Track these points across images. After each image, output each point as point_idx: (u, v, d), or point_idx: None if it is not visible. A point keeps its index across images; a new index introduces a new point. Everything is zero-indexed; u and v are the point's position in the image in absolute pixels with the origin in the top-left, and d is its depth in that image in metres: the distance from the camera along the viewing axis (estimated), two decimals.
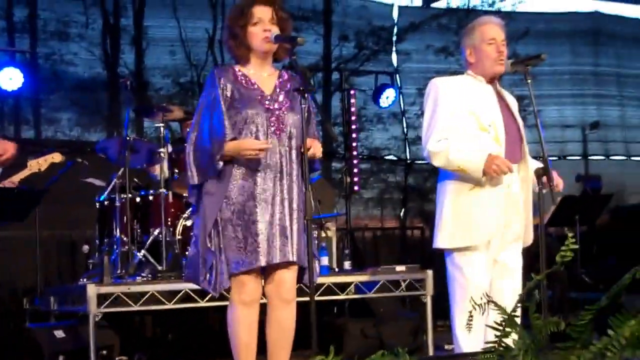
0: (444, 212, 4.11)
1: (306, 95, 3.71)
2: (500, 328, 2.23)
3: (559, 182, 4.12)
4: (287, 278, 3.83)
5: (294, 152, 3.81)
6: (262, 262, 3.70)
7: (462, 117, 4.04)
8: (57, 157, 5.74)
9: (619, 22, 17.17)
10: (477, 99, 4.10)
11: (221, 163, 3.72)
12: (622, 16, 17.25)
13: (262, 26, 3.78)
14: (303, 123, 3.69)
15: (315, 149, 3.81)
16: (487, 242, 4.03)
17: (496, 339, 2.17)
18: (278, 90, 3.88)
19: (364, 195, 15.19)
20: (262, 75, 3.89)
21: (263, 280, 3.86)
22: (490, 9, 15.93)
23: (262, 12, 3.81)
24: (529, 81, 4.08)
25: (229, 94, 3.79)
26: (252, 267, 3.71)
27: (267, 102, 3.81)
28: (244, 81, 3.83)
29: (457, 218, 4.06)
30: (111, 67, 13.58)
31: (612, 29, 17.07)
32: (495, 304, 2.22)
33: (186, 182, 3.95)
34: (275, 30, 3.79)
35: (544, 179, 3.98)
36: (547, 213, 7.58)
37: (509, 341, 2.16)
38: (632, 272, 2.12)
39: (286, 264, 3.78)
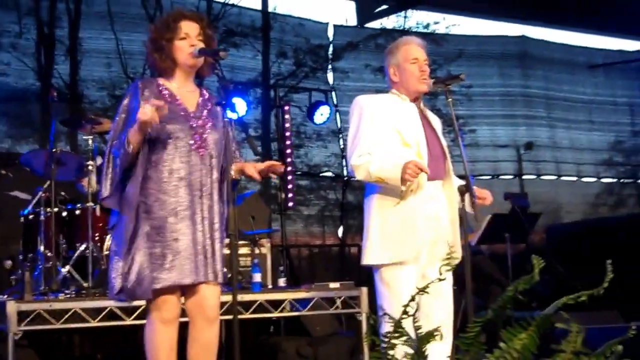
0: (371, 228, 4.10)
1: (227, 109, 3.69)
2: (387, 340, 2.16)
3: (487, 196, 4.16)
4: (210, 296, 3.76)
5: (214, 172, 3.78)
6: (184, 280, 3.64)
7: (385, 133, 4.07)
8: None
9: (545, 46, 17.74)
10: (401, 117, 4.14)
11: (131, 152, 3.61)
12: (549, 41, 17.81)
13: (189, 41, 3.76)
14: (225, 139, 3.70)
15: (250, 171, 3.82)
16: (414, 258, 4.03)
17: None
18: (201, 107, 3.85)
19: (304, 212, 15.19)
20: (185, 91, 3.85)
21: (183, 298, 3.80)
22: (425, 30, 16.13)
23: (190, 28, 3.79)
24: (450, 100, 4.12)
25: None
26: (171, 285, 3.63)
27: (191, 119, 3.78)
28: (167, 95, 3.79)
29: (383, 234, 4.06)
30: (44, 78, 13.32)
31: (540, 52, 17.66)
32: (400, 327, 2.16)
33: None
34: (201, 46, 3.77)
35: (467, 196, 4.00)
36: (477, 231, 7.64)
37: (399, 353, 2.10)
38: (514, 287, 2.20)
39: (208, 282, 3.72)
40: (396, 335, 2.17)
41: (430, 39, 15.76)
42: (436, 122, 4.33)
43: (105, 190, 3.69)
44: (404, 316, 2.19)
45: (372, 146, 4.04)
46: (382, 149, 4.03)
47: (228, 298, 3.86)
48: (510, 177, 17.03)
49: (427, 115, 4.29)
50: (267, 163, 3.89)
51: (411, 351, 2.18)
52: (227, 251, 4.01)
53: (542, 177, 17.46)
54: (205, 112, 3.83)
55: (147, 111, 3.49)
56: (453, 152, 4.34)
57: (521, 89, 17.49)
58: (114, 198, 3.68)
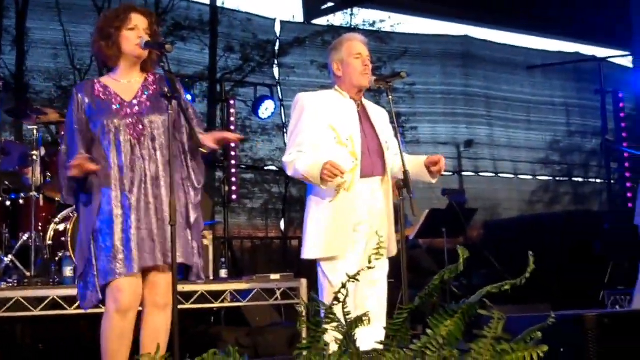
0: (308, 223, 4.25)
1: (173, 101, 3.72)
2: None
3: (440, 159, 4.28)
4: (161, 282, 3.81)
5: (158, 154, 3.82)
6: (135, 269, 3.69)
7: (321, 131, 4.19)
8: None
9: (487, 46, 17.99)
10: (338, 114, 4.25)
11: (72, 185, 3.81)
12: (490, 41, 18.07)
13: (137, 33, 3.84)
14: (170, 127, 3.72)
15: (208, 142, 3.86)
16: (351, 252, 4.16)
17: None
18: (140, 93, 3.91)
19: (248, 205, 15.23)
20: (125, 82, 3.93)
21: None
22: (371, 28, 16.33)
23: (139, 20, 3.87)
24: (390, 97, 4.29)
25: (85, 107, 3.83)
26: (124, 275, 3.69)
27: (125, 109, 3.84)
28: (102, 93, 3.87)
29: (319, 229, 4.19)
30: None
31: (481, 52, 17.89)
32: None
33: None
34: (148, 39, 3.84)
35: (404, 191, 4.14)
36: (415, 225, 7.82)
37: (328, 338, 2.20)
38: (441, 274, 2.25)
39: (159, 269, 3.78)
40: (327, 321, 2.22)
41: (376, 36, 15.97)
42: (378, 117, 4.41)
43: (64, 192, 3.88)
44: (335, 302, 2.26)
45: (305, 144, 4.15)
46: (315, 146, 4.14)
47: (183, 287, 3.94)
48: (450, 174, 17.27)
49: (368, 111, 4.38)
50: (222, 133, 3.96)
51: (341, 336, 2.24)
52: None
53: (481, 175, 17.76)
54: (144, 96, 3.89)
55: (75, 167, 3.68)
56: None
57: (462, 87, 17.69)
58: (71, 199, 3.89)
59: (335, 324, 2.23)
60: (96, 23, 4.02)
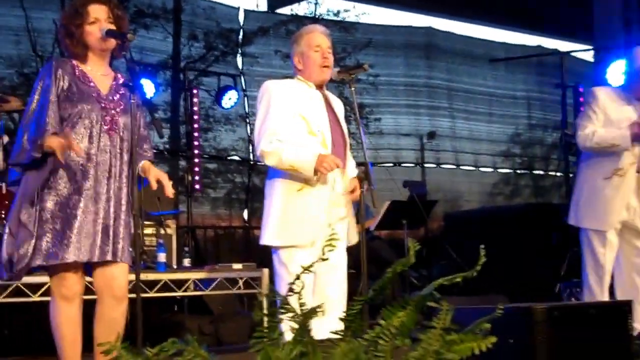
0: (272, 210, 4.26)
1: (134, 91, 3.79)
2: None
3: (354, 195, 4.31)
4: (118, 275, 3.82)
5: (125, 154, 3.87)
6: (76, 257, 3.68)
7: (292, 120, 4.21)
8: None
9: (450, 38, 18.06)
10: (307, 104, 4.28)
11: (36, 154, 3.69)
12: (453, 33, 18.15)
13: (99, 25, 3.83)
14: (132, 120, 3.79)
15: (150, 177, 3.90)
16: (311, 242, 4.20)
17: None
18: (113, 91, 3.93)
19: (211, 194, 15.23)
20: (98, 74, 3.93)
21: (93, 278, 3.86)
22: (336, 18, 16.36)
23: (98, 12, 3.86)
24: (353, 89, 4.32)
25: (65, 85, 3.79)
26: (66, 262, 3.69)
27: (102, 101, 3.85)
28: (81, 77, 3.86)
29: (284, 217, 4.22)
30: None
31: (444, 44, 17.98)
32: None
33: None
34: (109, 28, 3.85)
35: (365, 183, 4.22)
36: (376, 217, 7.90)
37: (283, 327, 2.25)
38: (393, 267, 2.28)
39: (114, 262, 3.80)
40: (282, 311, 2.25)
41: (340, 26, 16.03)
42: (339, 107, 4.47)
43: (17, 157, 3.77)
44: (290, 293, 2.29)
45: (281, 133, 4.15)
46: (290, 135, 4.15)
47: (132, 277, 3.98)
48: (412, 165, 17.39)
49: (331, 102, 4.42)
50: (164, 181, 3.93)
51: (296, 326, 2.27)
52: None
53: (442, 166, 17.91)
54: (117, 95, 3.91)
55: (71, 147, 3.62)
56: (358, 139, 4.47)
57: (425, 79, 17.78)
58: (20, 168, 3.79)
59: (291, 314, 2.26)
60: (59, 19, 4.02)
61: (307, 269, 2.40)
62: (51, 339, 3.89)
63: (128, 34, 3.84)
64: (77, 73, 3.85)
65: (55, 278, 3.77)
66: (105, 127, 3.81)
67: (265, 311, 2.26)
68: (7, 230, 3.77)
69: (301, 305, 2.28)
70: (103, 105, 3.83)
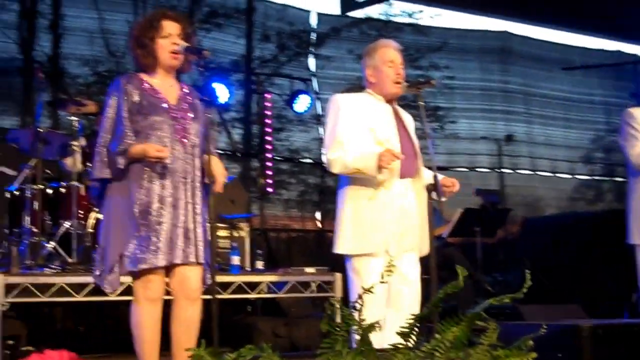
0: (343, 218, 4.32)
1: (209, 106, 4.00)
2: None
3: (453, 184, 4.38)
4: (192, 277, 4.00)
5: (197, 160, 4.02)
6: (164, 261, 3.86)
7: (360, 131, 4.27)
8: None
9: (526, 43, 17.79)
10: (375, 116, 4.35)
11: (122, 163, 3.88)
12: (529, 37, 17.86)
13: (171, 39, 4.00)
14: (206, 132, 3.98)
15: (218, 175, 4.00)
16: (383, 250, 4.24)
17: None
18: (181, 100, 4.08)
19: (284, 196, 15.27)
20: (166, 85, 4.07)
21: (169, 279, 4.03)
22: (410, 19, 16.21)
23: (171, 27, 4.03)
24: (421, 104, 4.36)
25: (136, 99, 3.95)
26: (154, 266, 3.86)
27: (172, 111, 4.00)
28: (149, 90, 4.01)
29: (355, 225, 4.27)
30: (26, 52, 13.29)
31: (520, 48, 17.73)
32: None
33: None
34: (183, 44, 4.01)
35: (434, 194, 4.24)
36: (448, 224, 7.88)
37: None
38: (444, 289, 2.48)
39: (190, 264, 3.95)
40: (348, 324, 2.42)
41: (414, 29, 15.92)
42: (409, 121, 4.54)
43: (99, 172, 3.96)
44: (356, 307, 2.44)
45: (347, 142, 4.23)
46: (356, 144, 4.22)
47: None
48: (487, 170, 17.20)
49: (401, 116, 4.50)
50: (218, 178, 4.01)
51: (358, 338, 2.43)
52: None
53: (519, 172, 17.67)
54: (185, 105, 4.06)
55: (156, 155, 3.81)
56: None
57: (500, 84, 17.59)
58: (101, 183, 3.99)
59: (354, 327, 2.43)
60: (131, 29, 4.17)
61: (381, 281, 2.71)
62: (124, 338, 4.09)
63: (204, 52, 3.98)
64: (144, 86, 4.00)
65: (140, 281, 3.93)
66: (177, 136, 3.96)
67: (333, 322, 2.46)
68: (100, 241, 3.99)
69: (362, 320, 2.45)
70: (173, 115, 3.98)
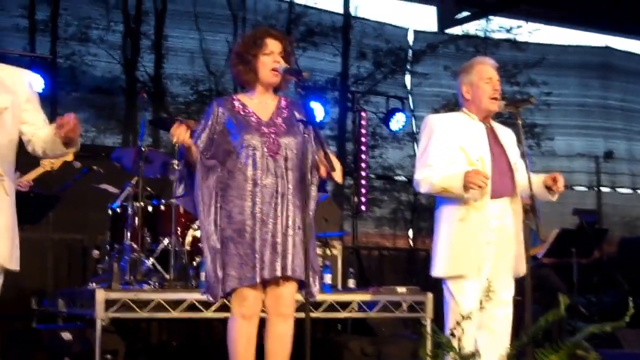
0: (438, 241, 4.35)
1: (309, 126, 3.96)
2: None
3: (557, 178, 4.31)
4: (285, 293, 4.04)
5: (290, 173, 4.03)
6: (258, 279, 3.91)
7: (451, 152, 4.27)
8: (69, 156, 5.79)
9: (628, 58, 17.36)
10: (467, 135, 4.33)
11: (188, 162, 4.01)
12: (632, 52, 17.43)
13: (273, 57, 4.07)
14: (306, 149, 3.96)
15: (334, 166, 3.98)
16: (477, 272, 4.22)
17: None
18: (275, 115, 4.13)
19: (376, 213, 15.25)
20: (261, 102, 4.15)
21: (264, 296, 4.06)
22: (508, 35, 16.01)
23: (274, 45, 4.10)
24: (519, 122, 4.33)
25: (226, 121, 4.06)
26: (252, 283, 3.91)
27: (263, 128, 4.06)
28: (241, 109, 4.10)
29: (448, 247, 4.28)
30: (130, 71, 13.71)
31: (621, 63, 17.28)
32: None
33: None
34: (283, 64, 4.07)
35: (530, 215, 4.26)
36: (544, 244, 7.75)
37: None
38: (544, 318, 2.52)
39: (284, 280, 3.99)
40: (446, 350, 2.44)
41: (511, 45, 15.74)
42: (506, 137, 4.47)
43: (179, 189, 4.11)
44: (451, 336, 2.51)
45: (436, 164, 4.24)
46: (446, 165, 4.22)
47: (300, 297, 4.17)
48: (585, 188, 16.81)
49: (497, 133, 4.44)
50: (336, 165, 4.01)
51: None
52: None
53: (618, 190, 17.21)
54: (279, 119, 4.10)
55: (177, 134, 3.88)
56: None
57: (598, 99, 17.17)
58: (185, 199, 4.12)
59: (452, 354, 2.45)
60: (234, 47, 4.27)
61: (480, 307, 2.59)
62: (216, 354, 4.10)
63: (304, 73, 4.02)
64: (236, 107, 4.09)
65: (236, 298, 3.99)
66: (269, 152, 4.00)
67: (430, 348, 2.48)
68: (206, 258, 4.05)
69: (460, 348, 2.48)
70: (262, 131, 4.03)
